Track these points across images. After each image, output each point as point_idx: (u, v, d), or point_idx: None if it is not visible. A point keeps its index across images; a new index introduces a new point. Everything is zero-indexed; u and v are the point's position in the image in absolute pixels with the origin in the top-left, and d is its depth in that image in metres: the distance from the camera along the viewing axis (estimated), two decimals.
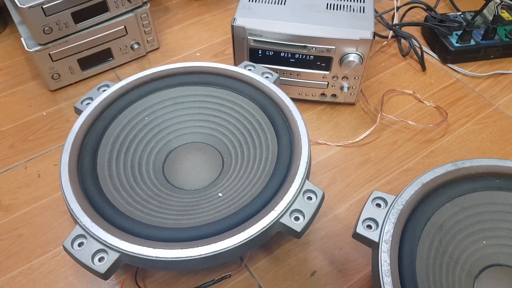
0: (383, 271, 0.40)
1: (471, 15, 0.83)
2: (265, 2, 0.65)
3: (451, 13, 0.85)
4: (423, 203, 0.46)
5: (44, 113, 0.71)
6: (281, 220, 0.44)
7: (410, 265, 0.41)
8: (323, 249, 0.55)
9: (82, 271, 0.53)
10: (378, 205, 0.46)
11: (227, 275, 0.52)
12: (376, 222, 0.44)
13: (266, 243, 0.55)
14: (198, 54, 0.82)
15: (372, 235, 0.43)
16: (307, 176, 0.48)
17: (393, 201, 0.45)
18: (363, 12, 0.64)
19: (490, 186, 0.48)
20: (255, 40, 0.63)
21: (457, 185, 0.48)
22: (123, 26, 0.73)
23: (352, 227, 0.58)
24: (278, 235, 0.56)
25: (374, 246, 0.43)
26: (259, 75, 0.59)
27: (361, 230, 0.44)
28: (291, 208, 0.45)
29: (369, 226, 0.44)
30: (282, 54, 0.65)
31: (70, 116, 0.70)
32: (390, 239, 0.42)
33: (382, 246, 0.42)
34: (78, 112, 0.55)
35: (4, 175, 0.63)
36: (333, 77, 0.66)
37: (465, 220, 0.47)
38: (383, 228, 0.43)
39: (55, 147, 0.66)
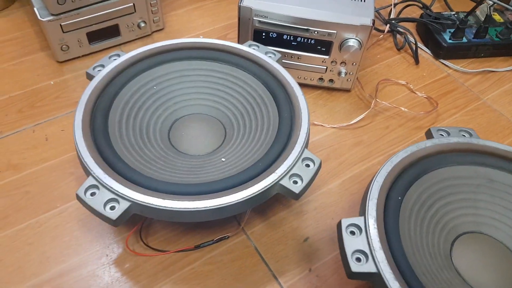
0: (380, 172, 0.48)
1: (464, 15, 0.87)
2: None
3: (445, 12, 0.89)
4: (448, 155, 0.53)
5: (52, 82, 0.73)
6: (281, 182, 0.48)
7: (407, 186, 0.48)
8: (315, 219, 0.59)
9: (88, 227, 0.55)
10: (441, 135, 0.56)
11: (225, 236, 0.55)
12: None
13: (262, 210, 0.59)
14: (201, 36, 0.85)
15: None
16: (306, 145, 0.52)
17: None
18: (364, 1, 0.68)
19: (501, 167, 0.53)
20: (260, 21, 0.67)
21: (471, 155, 0.53)
22: (132, 4, 0.75)
23: (344, 201, 0.61)
24: (273, 203, 0.60)
25: None
26: (263, 54, 0.63)
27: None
28: (291, 172, 0.49)
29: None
30: (284, 37, 0.68)
31: (77, 87, 0.73)
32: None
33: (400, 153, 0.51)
34: (90, 77, 0.57)
35: (13, 137, 0.65)
36: (332, 61, 0.70)
37: (476, 188, 0.52)
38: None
39: (62, 114, 0.68)
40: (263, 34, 0.68)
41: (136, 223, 0.55)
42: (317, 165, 0.50)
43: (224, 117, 0.61)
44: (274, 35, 0.68)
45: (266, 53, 0.63)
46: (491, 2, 0.85)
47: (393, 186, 0.47)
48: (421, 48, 0.87)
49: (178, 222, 0.56)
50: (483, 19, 0.85)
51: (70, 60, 0.77)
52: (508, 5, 0.88)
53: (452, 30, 0.84)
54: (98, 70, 0.57)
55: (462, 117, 0.74)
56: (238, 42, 0.71)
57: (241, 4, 0.65)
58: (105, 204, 0.44)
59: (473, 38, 0.84)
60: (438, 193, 0.50)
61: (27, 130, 0.66)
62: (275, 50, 0.64)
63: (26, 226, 0.55)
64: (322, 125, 0.71)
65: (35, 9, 0.70)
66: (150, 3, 0.78)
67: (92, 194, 0.45)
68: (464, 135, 0.55)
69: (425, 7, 0.92)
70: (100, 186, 0.45)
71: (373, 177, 0.48)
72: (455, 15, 0.88)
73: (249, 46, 0.64)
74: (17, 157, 0.62)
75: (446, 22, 0.85)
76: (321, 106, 0.74)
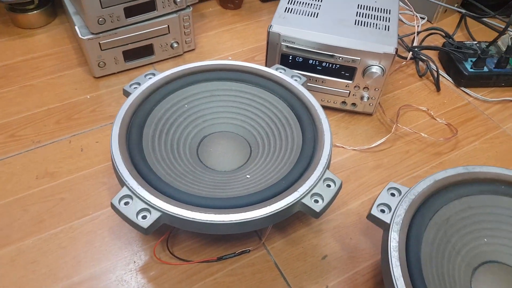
0: (391, 247, 0.45)
1: (485, 45, 0.89)
2: (299, 14, 0.72)
3: (467, 42, 0.92)
4: (433, 197, 0.52)
5: (88, 97, 0.78)
6: (303, 201, 0.50)
7: (416, 246, 0.46)
8: (334, 237, 0.61)
9: (117, 234, 0.58)
10: (393, 194, 0.51)
11: (247, 250, 0.58)
12: (389, 207, 0.50)
13: (282, 227, 0.61)
14: (230, 58, 0.89)
15: (385, 217, 0.49)
16: (327, 166, 0.54)
17: (407, 191, 0.51)
18: (388, 30, 0.71)
19: (496, 191, 0.53)
20: (287, 46, 0.70)
21: (466, 186, 0.53)
22: (166, 25, 0.80)
23: (363, 222, 0.63)
24: (294, 220, 0.62)
25: (385, 227, 0.49)
26: (289, 77, 0.66)
27: (375, 212, 0.49)
28: (312, 192, 0.51)
29: (383, 210, 0.50)
30: (310, 61, 0.71)
31: (111, 102, 0.77)
32: (401, 222, 0.48)
33: (393, 226, 0.47)
34: (127, 94, 0.61)
35: (50, 146, 0.69)
36: (355, 86, 0.73)
37: (470, 218, 0.52)
38: (395, 212, 0.48)
39: (97, 127, 0.73)
40: (290, 58, 0.71)
41: (163, 233, 0.58)
42: (338, 185, 0.52)
43: (250, 136, 0.64)
44: (300, 59, 0.71)
45: (292, 76, 0.66)
46: None
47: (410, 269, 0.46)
48: (442, 76, 0.89)
49: (202, 234, 0.59)
50: (504, 49, 0.87)
51: (106, 76, 0.81)
52: None
53: (473, 59, 0.86)
54: (135, 88, 0.61)
55: (481, 145, 0.76)
56: (266, 65, 0.74)
57: (270, 30, 0.69)
58: (137, 213, 0.47)
59: (494, 67, 0.85)
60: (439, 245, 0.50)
61: (63, 141, 0.70)
62: (300, 74, 0.67)
63: (60, 231, 0.59)
64: (343, 147, 0.73)
65: (76, 27, 0.75)
66: (184, 25, 0.82)
67: (126, 203, 0.48)
68: (393, 194, 0.51)
69: (447, 36, 0.95)
70: (133, 196, 0.48)
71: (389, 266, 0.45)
72: (477, 45, 0.90)
73: (276, 69, 0.67)
74: (53, 166, 0.66)
75: (468, 51, 0.87)
76: (343, 128, 0.77)
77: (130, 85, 0.62)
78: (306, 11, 0.73)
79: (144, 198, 0.47)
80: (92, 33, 0.74)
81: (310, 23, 0.71)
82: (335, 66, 0.71)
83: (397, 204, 0.49)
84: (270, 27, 0.69)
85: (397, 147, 0.74)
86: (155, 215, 0.47)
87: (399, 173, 0.70)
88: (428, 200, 0.51)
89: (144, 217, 0.47)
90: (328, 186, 0.52)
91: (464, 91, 0.86)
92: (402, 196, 0.50)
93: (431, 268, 0.46)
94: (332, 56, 0.69)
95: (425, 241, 0.47)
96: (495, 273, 0.51)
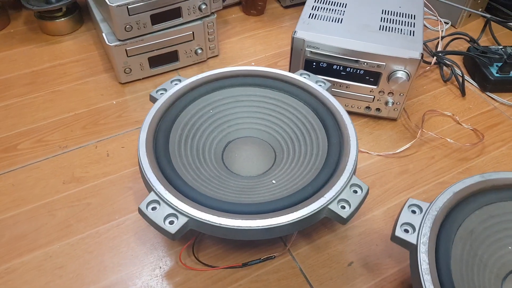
0: (422, 270, 0.44)
1: (511, 50, 0.87)
2: (323, 20, 0.72)
3: (493, 46, 0.90)
4: (454, 210, 0.50)
5: (114, 102, 0.79)
6: (329, 207, 0.50)
7: (446, 265, 0.45)
8: (360, 244, 0.60)
9: (143, 239, 0.59)
10: (413, 211, 0.50)
11: (272, 256, 0.57)
12: (413, 227, 0.48)
13: (307, 233, 0.60)
14: (253, 63, 0.89)
15: (410, 238, 0.47)
16: (354, 172, 0.53)
17: (428, 208, 0.50)
18: (413, 35, 0.70)
19: None
20: (312, 52, 0.70)
21: (485, 195, 0.52)
22: (191, 32, 0.81)
23: (388, 228, 0.62)
24: (319, 226, 0.61)
25: (412, 248, 0.47)
26: (314, 82, 0.65)
27: (399, 233, 0.48)
28: (339, 198, 0.50)
29: (406, 230, 0.48)
30: (334, 67, 0.71)
31: (137, 107, 0.78)
32: (427, 241, 0.46)
33: (420, 247, 0.46)
34: (153, 100, 0.62)
35: (77, 151, 0.70)
36: (379, 91, 0.72)
37: (492, 227, 0.51)
38: (420, 232, 0.47)
39: (123, 132, 0.74)
40: (314, 63, 0.71)
41: (188, 239, 0.58)
42: (364, 191, 0.52)
43: (275, 141, 0.64)
44: (324, 65, 0.71)
45: (316, 81, 0.66)
46: None
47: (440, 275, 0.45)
48: (467, 81, 0.87)
49: (228, 240, 0.59)
50: None
51: (131, 82, 0.83)
52: None
53: (499, 64, 0.85)
54: (161, 94, 0.62)
55: (509, 151, 0.74)
56: (290, 71, 0.74)
57: (294, 36, 0.69)
58: (165, 219, 0.47)
59: None
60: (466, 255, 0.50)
61: (90, 146, 0.71)
62: (325, 79, 0.67)
63: (86, 236, 0.59)
64: (368, 153, 0.72)
65: (103, 34, 0.77)
66: (208, 32, 0.83)
67: (153, 208, 0.48)
68: (414, 211, 0.50)
69: (472, 40, 0.93)
70: (160, 201, 0.48)
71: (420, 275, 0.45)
72: (503, 50, 0.88)
73: (301, 74, 0.67)
74: (80, 171, 0.67)
75: (493, 56, 0.86)
76: (367, 133, 0.76)
77: (157, 91, 0.62)
78: (330, 17, 0.73)
79: (171, 203, 0.48)
80: (119, 40, 0.75)
81: (335, 28, 0.71)
82: (360, 71, 0.70)
83: (421, 223, 0.48)
84: (295, 33, 0.69)
85: (423, 152, 0.73)
86: (182, 220, 0.47)
87: (425, 179, 0.69)
88: (450, 214, 0.49)
89: (171, 222, 0.47)
90: (355, 192, 0.52)
91: (490, 96, 0.84)
92: (424, 214, 0.48)
93: (463, 286, 0.45)
94: (357, 61, 0.69)
95: (453, 258, 0.46)
96: None
